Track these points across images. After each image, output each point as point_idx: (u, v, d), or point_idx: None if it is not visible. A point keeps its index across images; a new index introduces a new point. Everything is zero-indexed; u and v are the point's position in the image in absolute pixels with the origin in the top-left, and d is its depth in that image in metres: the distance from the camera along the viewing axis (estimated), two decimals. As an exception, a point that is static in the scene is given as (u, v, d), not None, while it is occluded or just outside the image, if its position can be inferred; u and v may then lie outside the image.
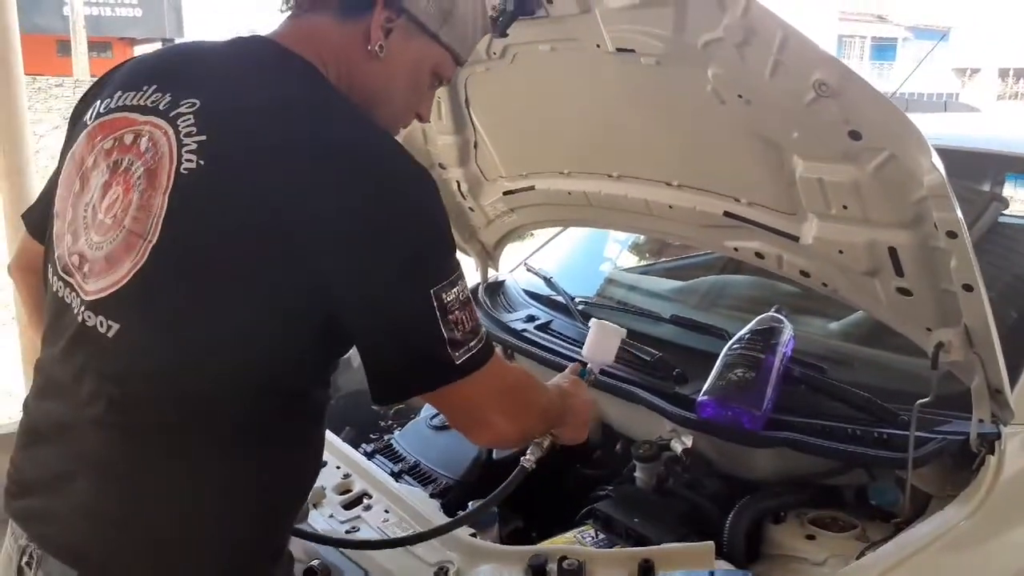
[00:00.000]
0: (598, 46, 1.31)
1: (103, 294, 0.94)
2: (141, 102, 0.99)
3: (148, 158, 0.94)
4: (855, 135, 1.09)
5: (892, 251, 1.19)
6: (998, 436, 1.21)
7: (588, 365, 1.39)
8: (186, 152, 0.92)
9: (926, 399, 1.18)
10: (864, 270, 1.25)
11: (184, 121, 0.94)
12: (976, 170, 1.97)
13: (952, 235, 1.06)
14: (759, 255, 1.47)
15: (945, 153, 1.67)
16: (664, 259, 2.51)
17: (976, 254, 1.07)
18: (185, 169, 0.91)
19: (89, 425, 0.94)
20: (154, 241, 0.91)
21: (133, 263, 0.92)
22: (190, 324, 0.91)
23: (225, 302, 0.90)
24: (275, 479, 0.98)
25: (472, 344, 0.95)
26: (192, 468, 0.93)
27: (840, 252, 1.27)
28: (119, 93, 1.01)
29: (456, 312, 0.93)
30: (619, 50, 1.28)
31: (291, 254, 0.88)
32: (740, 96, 1.19)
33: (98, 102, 1.03)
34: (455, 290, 0.93)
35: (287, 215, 0.88)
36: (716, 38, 1.12)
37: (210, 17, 16.19)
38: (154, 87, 0.99)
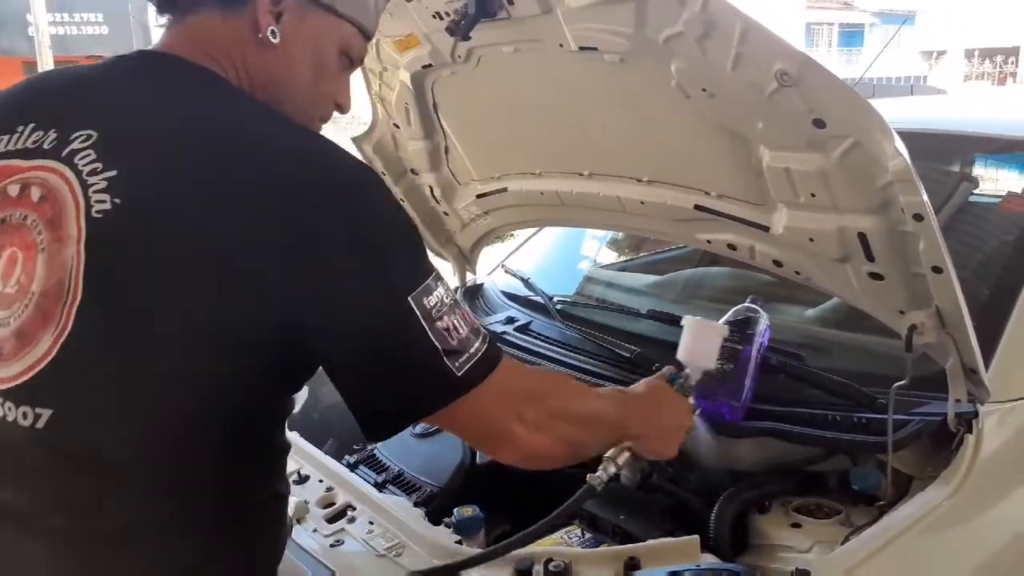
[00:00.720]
0: (561, 45, 1.31)
1: (23, 379, 0.79)
2: (20, 146, 0.86)
3: (46, 208, 0.81)
4: (819, 123, 1.09)
5: (862, 237, 1.20)
6: (975, 415, 1.22)
7: (685, 369, 1.27)
8: (94, 192, 0.80)
9: (902, 382, 1.19)
10: (835, 257, 1.26)
11: (83, 158, 0.82)
12: (946, 152, 1.99)
13: (919, 218, 1.06)
14: (731, 247, 1.47)
15: (915, 136, 1.68)
16: (643, 254, 2.52)
17: (948, 234, 1.08)
18: (98, 212, 0.79)
19: (33, 543, 0.81)
20: (77, 301, 0.78)
21: (56, 333, 0.79)
22: (139, 388, 0.79)
23: (177, 353, 0.79)
24: (247, 542, 0.89)
25: (473, 351, 0.85)
26: (159, 555, 0.82)
27: (811, 240, 1.27)
28: None
29: (445, 318, 0.83)
30: (582, 48, 1.28)
31: (241, 284, 0.78)
32: (704, 90, 1.20)
33: None
34: (437, 293, 0.84)
35: (227, 241, 0.78)
36: (677, 33, 1.13)
37: (178, 32, 16.04)
38: (31, 126, 0.87)
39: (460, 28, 1.33)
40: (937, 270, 1.10)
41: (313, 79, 0.97)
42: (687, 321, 1.32)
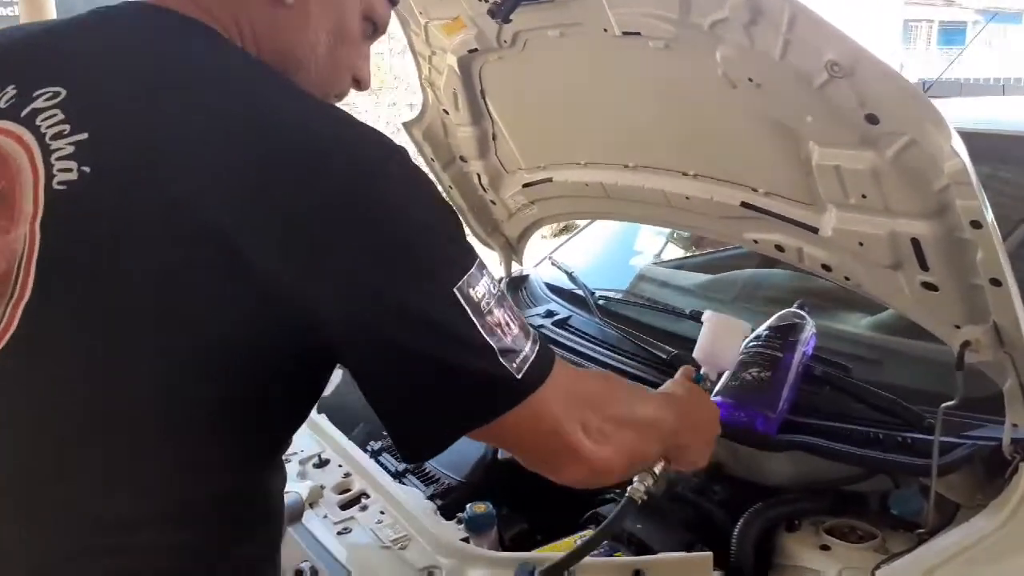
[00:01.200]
0: (605, 30, 1.25)
1: None
2: None
3: None
4: (872, 119, 1.01)
5: (915, 243, 1.11)
6: (1034, 443, 1.12)
7: (702, 369, 1.18)
8: (58, 159, 0.67)
9: (951, 401, 1.10)
10: (886, 264, 1.17)
11: (47, 118, 0.69)
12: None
13: (977, 225, 0.98)
14: (779, 248, 1.39)
15: (996, 138, 1.55)
16: (708, 250, 2.43)
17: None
18: (61, 183, 0.66)
19: None
20: (25, 297, 0.65)
21: None
22: (96, 410, 0.65)
23: (151, 363, 0.65)
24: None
25: (527, 350, 0.73)
26: None
27: (860, 244, 1.19)
28: None
29: (495, 312, 0.71)
30: (626, 34, 1.23)
31: (246, 278, 0.64)
32: (751, 79, 1.12)
33: None
34: (483, 283, 0.71)
35: (218, 219, 0.64)
36: (722, 18, 1.06)
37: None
38: None
39: (501, 10, 1.29)
40: (996, 282, 1.01)
41: (331, 46, 0.84)
42: (707, 316, 1.24)
